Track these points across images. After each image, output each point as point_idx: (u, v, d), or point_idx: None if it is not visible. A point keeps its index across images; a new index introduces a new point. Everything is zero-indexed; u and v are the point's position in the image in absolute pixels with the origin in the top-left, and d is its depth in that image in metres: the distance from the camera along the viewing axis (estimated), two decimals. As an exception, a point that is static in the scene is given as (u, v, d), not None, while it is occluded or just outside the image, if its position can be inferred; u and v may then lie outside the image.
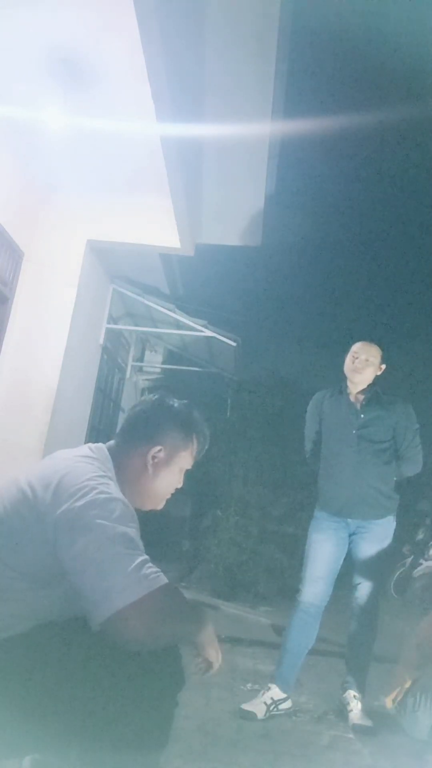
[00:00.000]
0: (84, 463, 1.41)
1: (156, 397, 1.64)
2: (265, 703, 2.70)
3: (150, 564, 1.25)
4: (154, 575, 1.23)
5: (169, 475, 1.56)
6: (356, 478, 2.90)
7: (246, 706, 2.68)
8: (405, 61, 7.49)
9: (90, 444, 1.55)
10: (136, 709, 1.22)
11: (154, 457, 1.53)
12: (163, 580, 1.25)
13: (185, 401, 1.65)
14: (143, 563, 1.24)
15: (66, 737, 1.25)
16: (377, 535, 2.91)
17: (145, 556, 1.26)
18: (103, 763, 1.22)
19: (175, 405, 1.62)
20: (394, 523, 2.97)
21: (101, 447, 1.53)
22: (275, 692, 2.75)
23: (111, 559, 1.21)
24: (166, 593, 1.25)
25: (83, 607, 1.22)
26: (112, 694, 1.22)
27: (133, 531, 1.29)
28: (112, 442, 1.58)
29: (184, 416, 1.60)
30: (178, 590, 1.39)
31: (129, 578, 1.19)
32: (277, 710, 2.73)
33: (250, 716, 2.63)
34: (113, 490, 1.36)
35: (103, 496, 1.29)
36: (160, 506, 1.60)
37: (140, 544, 1.30)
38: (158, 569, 1.26)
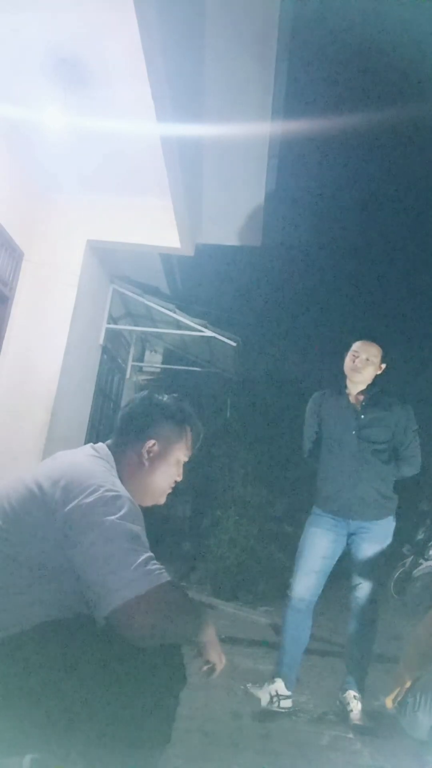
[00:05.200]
0: (91, 462, 1.46)
1: (145, 393, 1.69)
2: (270, 693, 2.73)
3: (155, 561, 1.29)
4: (159, 571, 1.27)
5: (166, 468, 1.60)
6: (355, 479, 2.89)
7: (252, 689, 2.71)
8: (405, 60, 7.48)
9: (92, 444, 1.58)
10: (138, 706, 1.24)
11: (149, 452, 1.57)
12: (167, 577, 1.28)
13: (174, 395, 1.69)
14: (148, 559, 1.27)
15: (69, 733, 1.27)
16: (377, 536, 2.91)
17: (150, 553, 1.30)
18: (106, 759, 1.24)
19: (165, 399, 1.66)
20: (394, 523, 2.97)
21: (103, 446, 1.57)
22: (280, 686, 2.77)
23: (117, 554, 1.25)
24: (170, 589, 1.28)
25: (89, 599, 1.26)
26: (115, 692, 1.23)
27: (139, 528, 1.33)
28: (110, 441, 1.61)
29: (175, 409, 1.64)
30: (181, 588, 1.41)
31: (134, 573, 1.23)
32: (279, 706, 2.73)
33: (253, 699, 2.68)
34: (120, 488, 1.40)
35: (110, 493, 1.33)
36: (161, 501, 1.63)
37: (146, 541, 1.34)
38: (162, 566, 1.29)
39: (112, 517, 1.28)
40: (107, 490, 1.33)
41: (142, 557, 1.26)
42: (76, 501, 1.30)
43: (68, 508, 1.29)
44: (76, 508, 1.29)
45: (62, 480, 1.34)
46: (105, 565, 1.24)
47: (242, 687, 3.05)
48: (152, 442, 1.57)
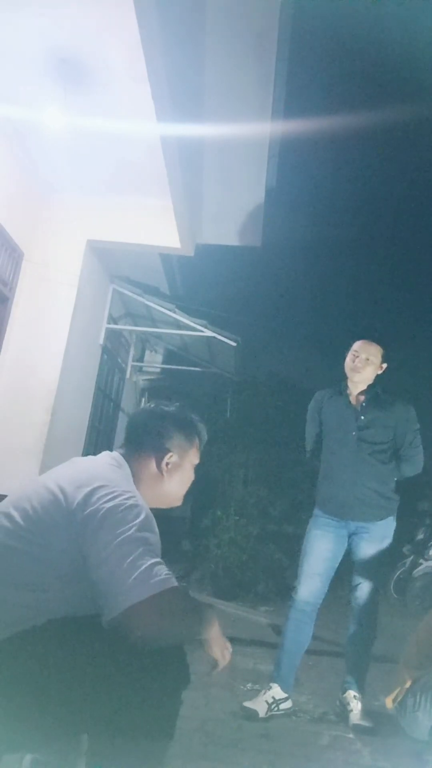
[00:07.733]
0: (112, 470, 1.53)
1: (153, 405, 1.76)
2: (267, 701, 2.70)
3: (164, 567, 1.33)
4: (166, 577, 1.31)
5: (183, 475, 1.70)
6: (356, 480, 2.88)
7: (248, 704, 2.67)
8: (405, 60, 7.49)
9: (108, 452, 1.64)
10: (143, 702, 1.27)
11: (167, 463, 1.65)
12: (174, 582, 1.32)
13: (179, 404, 1.77)
14: (156, 565, 1.31)
15: (74, 728, 1.30)
16: (377, 536, 2.90)
17: (159, 559, 1.34)
18: (110, 752, 1.27)
19: (174, 411, 1.73)
20: (394, 523, 2.96)
21: (119, 456, 1.63)
22: (276, 691, 2.75)
23: (128, 558, 1.29)
24: (176, 595, 1.32)
25: (98, 600, 1.29)
26: (121, 689, 1.26)
27: (152, 536, 1.38)
28: (123, 451, 1.66)
29: (186, 420, 1.73)
30: (187, 594, 1.46)
31: (142, 576, 1.27)
32: (278, 709, 2.72)
33: (251, 714, 2.63)
34: (139, 497, 1.46)
35: (130, 501, 1.40)
36: (180, 503, 1.74)
37: (158, 549, 1.39)
38: (171, 573, 1.33)
39: (129, 523, 1.34)
40: (126, 498, 1.39)
41: (151, 562, 1.30)
42: (96, 505, 1.36)
43: (88, 511, 1.35)
44: (95, 511, 1.35)
45: (85, 485, 1.40)
46: (116, 567, 1.28)
47: (243, 687, 3.06)
48: (170, 454, 1.66)
